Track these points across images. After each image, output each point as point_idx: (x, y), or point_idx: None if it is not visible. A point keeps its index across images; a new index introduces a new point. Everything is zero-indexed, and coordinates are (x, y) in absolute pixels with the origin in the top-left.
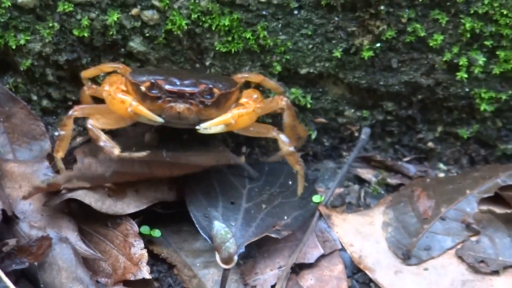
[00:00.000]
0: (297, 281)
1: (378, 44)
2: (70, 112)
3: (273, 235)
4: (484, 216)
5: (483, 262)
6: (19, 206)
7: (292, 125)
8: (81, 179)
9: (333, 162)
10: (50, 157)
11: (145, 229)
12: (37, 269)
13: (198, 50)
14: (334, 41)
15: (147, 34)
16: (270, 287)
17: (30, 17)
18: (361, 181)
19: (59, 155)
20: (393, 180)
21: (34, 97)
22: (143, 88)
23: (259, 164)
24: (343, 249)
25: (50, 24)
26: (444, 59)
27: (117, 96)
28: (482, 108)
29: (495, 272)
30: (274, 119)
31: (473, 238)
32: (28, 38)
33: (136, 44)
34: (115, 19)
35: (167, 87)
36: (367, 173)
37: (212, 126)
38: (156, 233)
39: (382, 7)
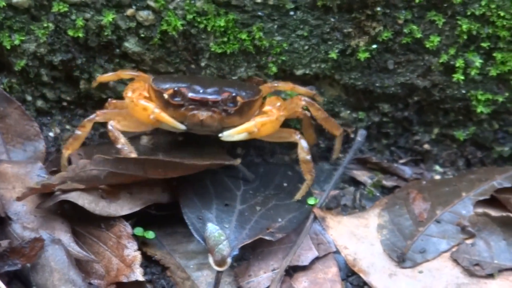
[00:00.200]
0: (291, 283)
1: (374, 46)
2: (92, 116)
3: (267, 238)
4: (479, 219)
5: (478, 265)
6: (12, 207)
7: (323, 118)
8: (75, 180)
9: (328, 164)
10: (45, 158)
11: (138, 230)
12: (30, 271)
13: (194, 51)
14: (330, 42)
15: (142, 35)
16: None
17: (25, 17)
18: (356, 183)
19: (68, 152)
20: (388, 182)
21: (29, 98)
22: (166, 96)
23: (254, 166)
24: (337, 251)
25: (45, 25)
26: (440, 61)
27: (140, 103)
28: (478, 110)
29: (490, 276)
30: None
31: (468, 241)
32: (23, 38)
33: (131, 44)
34: (110, 20)
35: (190, 95)
36: (362, 175)
37: (235, 134)
38: (150, 234)
39: (378, 8)
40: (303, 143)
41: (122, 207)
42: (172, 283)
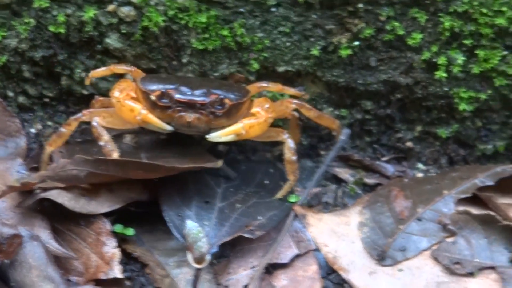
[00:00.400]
0: (270, 281)
1: (357, 42)
2: (78, 115)
3: (246, 235)
4: (460, 217)
5: (458, 264)
6: None
7: (317, 116)
8: (55, 180)
9: (311, 161)
10: (26, 154)
11: (118, 227)
12: (8, 267)
13: (175, 47)
14: (312, 39)
15: (123, 31)
16: (242, 287)
17: (6, 13)
18: (338, 180)
19: (50, 149)
20: (371, 180)
21: (10, 94)
22: (153, 97)
23: (236, 163)
24: (318, 249)
25: (26, 20)
26: (423, 58)
27: (127, 104)
28: (461, 107)
29: (470, 274)
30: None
31: (449, 239)
32: (4, 34)
33: (112, 40)
34: (92, 16)
35: (177, 96)
36: (344, 173)
37: (222, 136)
38: (130, 231)
39: (360, 5)
40: (290, 144)
41: (102, 205)
42: (151, 280)
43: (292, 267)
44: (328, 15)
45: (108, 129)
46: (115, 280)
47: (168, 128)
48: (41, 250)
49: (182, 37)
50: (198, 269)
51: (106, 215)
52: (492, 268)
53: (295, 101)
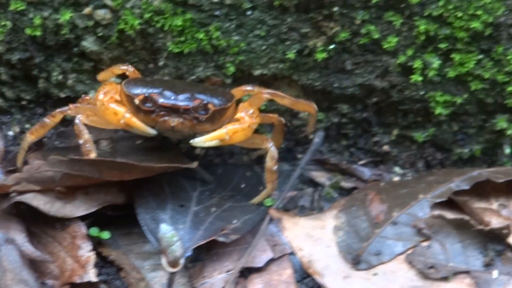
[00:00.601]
0: (245, 285)
1: (332, 46)
2: (64, 108)
3: (220, 239)
4: (435, 221)
5: (432, 268)
6: None
7: (292, 103)
8: (30, 181)
9: (288, 165)
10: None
11: (94, 231)
12: None
13: (151, 50)
14: (287, 43)
15: (99, 34)
16: None
17: None
18: (315, 184)
19: (31, 137)
20: (347, 184)
21: None
22: (136, 101)
23: (213, 166)
24: (293, 253)
25: (2, 23)
26: (398, 62)
27: (110, 107)
28: (437, 111)
29: (445, 278)
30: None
31: (424, 244)
32: None
33: (89, 43)
34: (68, 18)
35: (161, 101)
36: (321, 176)
37: (206, 141)
38: (105, 235)
39: (335, 9)
40: (273, 153)
41: (77, 208)
42: (127, 284)
43: (267, 271)
44: (303, 18)
45: (90, 129)
46: (90, 284)
47: (152, 132)
48: (16, 253)
49: (158, 40)
50: (172, 273)
51: (82, 218)
52: (467, 272)
53: (268, 90)
